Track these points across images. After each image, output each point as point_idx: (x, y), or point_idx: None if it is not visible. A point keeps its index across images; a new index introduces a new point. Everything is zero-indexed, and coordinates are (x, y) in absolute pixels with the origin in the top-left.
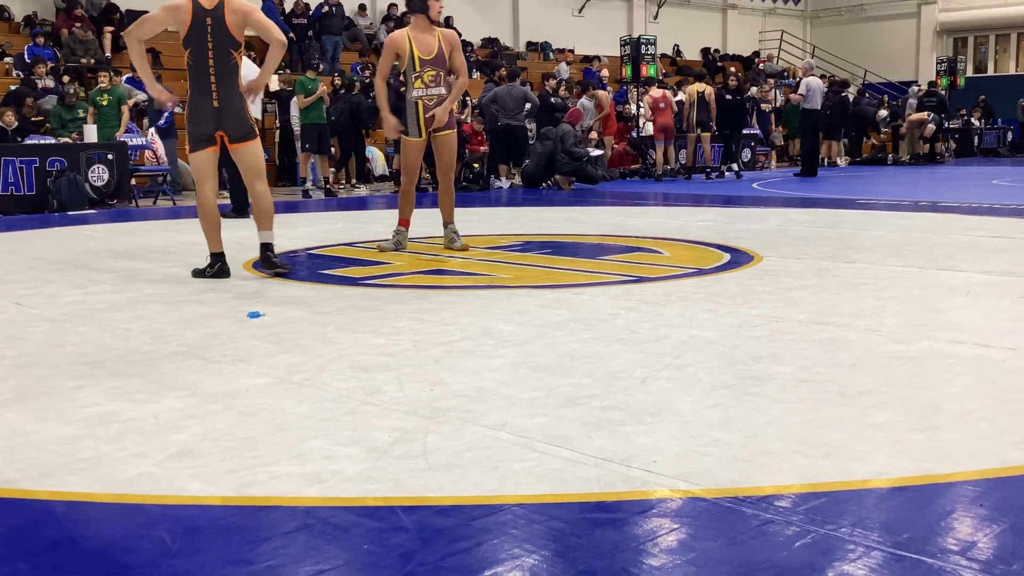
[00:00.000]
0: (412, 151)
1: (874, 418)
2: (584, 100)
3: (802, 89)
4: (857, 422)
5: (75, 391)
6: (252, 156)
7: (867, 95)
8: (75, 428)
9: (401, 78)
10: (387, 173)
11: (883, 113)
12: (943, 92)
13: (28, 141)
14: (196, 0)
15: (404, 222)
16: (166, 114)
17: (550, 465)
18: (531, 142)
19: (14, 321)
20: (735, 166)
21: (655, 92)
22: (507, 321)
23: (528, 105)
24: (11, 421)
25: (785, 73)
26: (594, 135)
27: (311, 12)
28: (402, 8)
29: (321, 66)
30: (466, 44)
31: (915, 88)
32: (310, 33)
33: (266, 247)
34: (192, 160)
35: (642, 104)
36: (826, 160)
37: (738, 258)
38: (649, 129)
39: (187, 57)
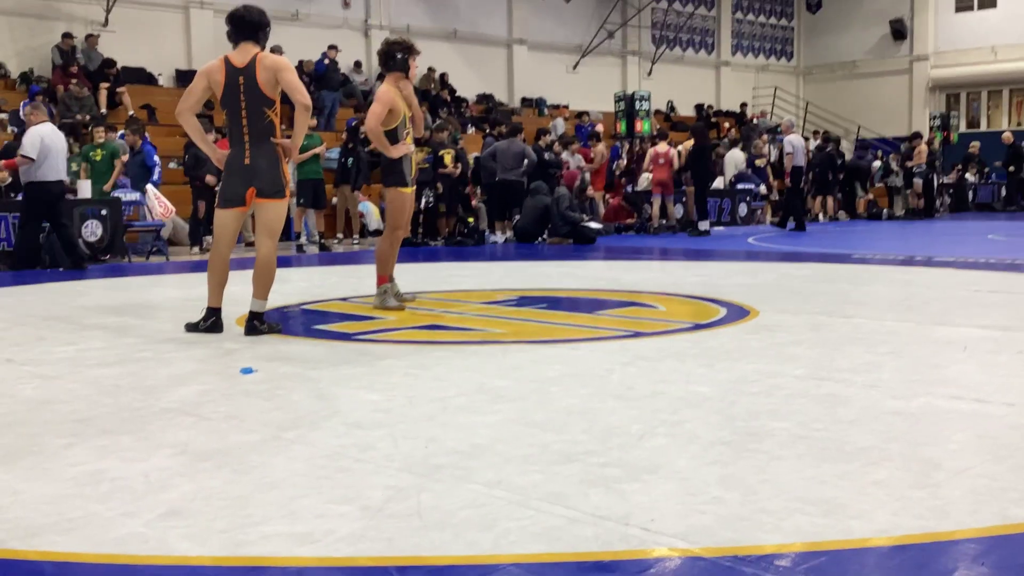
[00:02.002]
0: (409, 202)
1: (874, 475)
2: (565, 154)
3: (787, 148)
4: (857, 479)
5: (64, 449)
6: (273, 214)
7: (871, 151)
8: (64, 487)
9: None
10: (381, 228)
11: (876, 164)
12: (936, 148)
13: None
14: (229, 60)
15: (388, 278)
16: (157, 169)
17: (546, 523)
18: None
19: (4, 378)
20: (702, 224)
21: (660, 147)
22: (502, 377)
23: (526, 162)
24: None
25: (779, 128)
26: (591, 192)
27: (313, 68)
28: None
29: (316, 121)
30: (461, 100)
31: (908, 145)
32: (311, 89)
33: (254, 316)
34: (216, 216)
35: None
36: (820, 216)
37: (734, 313)
38: (643, 183)
39: (224, 116)
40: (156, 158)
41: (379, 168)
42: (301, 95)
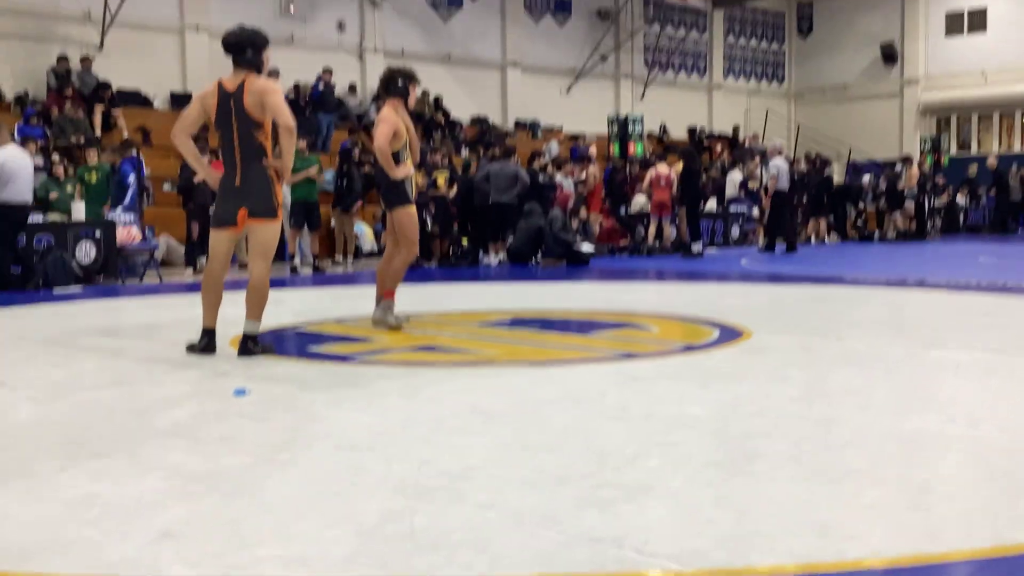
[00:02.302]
0: (416, 219)
1: (866, 497)
2: (559, 176)
3: (772, 171)
4: (850, 501)
5: (57, 472)
6: (264, 234)
7: (868, 175)
8: (57, 509)
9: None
10: (375, 249)
11: (867, 178)
12: (927, 170)
13: None
14: (222, 84)
15: (392, 295)
16: (132, 191)
17: (540, 545)
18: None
19: None
20: (695, 246)
21: (661, 169)
22: (496, 398)
23: (519, 184)
24: None
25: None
26: (584, 214)
27: (311, 91)
28: None
29: (304, 143)
30: (455, 123)
31: (899, 167)
32: (307, 112)
33: (247, 338)
34: (211, 236)
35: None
36: (812, 237)
37: (727, 334)
38: (636, 205)
39: (218, 138)
40: (132, 179)
41: (376, 189)
42: (284, 117)
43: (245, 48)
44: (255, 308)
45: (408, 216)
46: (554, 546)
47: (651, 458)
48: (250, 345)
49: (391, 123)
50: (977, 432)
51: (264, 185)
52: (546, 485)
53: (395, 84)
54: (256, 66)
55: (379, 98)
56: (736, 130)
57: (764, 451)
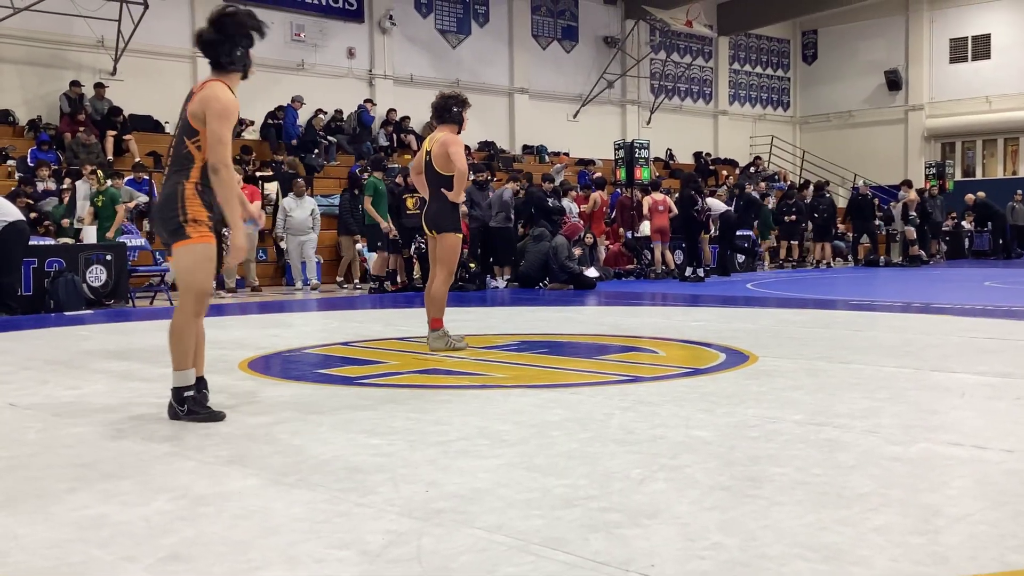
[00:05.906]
0: (460, 247)
1: (873, 521)
2: (566, 201)
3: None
4: (856, 525)
5: (67, 493)
6: (176, 264)
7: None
8: (65, 531)
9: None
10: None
11: (862, 183)
12: (935, 197)
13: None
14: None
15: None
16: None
17: (547, 569)
18: (520, 243)
19: (7, 422)
20: (697, 271)
21: (656, 195)
22: (503, 421)
23: (506, 208)
24: (1, 524)
25: (776, 176)
26: (589, 238)
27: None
28: (402, 113)
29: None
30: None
31: (902, 192)
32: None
33: (173, 392)
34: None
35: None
36: (819, 262)
37: (733, 358)
38: (644, 230)
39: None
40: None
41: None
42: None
43: (209, 42)
44: (174, 356)
45: (457, 242)
46: (560, 570)
47: (657, 481)
48: (174, 404)
49: (462, 144)
50: (984, 455)
51: (169, 201)
52: (553, 508)
53: (449, 111)
54: (225, 62)
55: (388, 123)
56: (758, 159)
57: (770, 475)
